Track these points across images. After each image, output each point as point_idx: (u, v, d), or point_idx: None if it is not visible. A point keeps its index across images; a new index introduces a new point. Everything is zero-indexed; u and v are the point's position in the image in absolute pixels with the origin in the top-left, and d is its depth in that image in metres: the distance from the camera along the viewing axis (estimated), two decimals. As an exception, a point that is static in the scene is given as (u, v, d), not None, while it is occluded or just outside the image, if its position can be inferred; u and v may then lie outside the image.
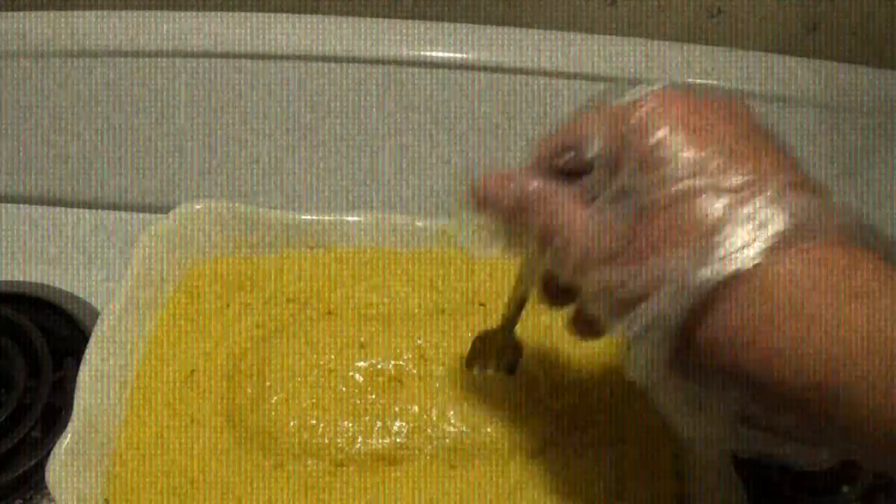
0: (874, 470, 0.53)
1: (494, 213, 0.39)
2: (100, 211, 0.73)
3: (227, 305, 0.56)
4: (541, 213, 0.37)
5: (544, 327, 0.56)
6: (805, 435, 0.33)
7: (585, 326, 0.41)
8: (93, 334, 0.50)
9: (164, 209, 0.57)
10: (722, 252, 0.31)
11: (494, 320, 0.54)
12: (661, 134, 0.33)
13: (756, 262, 0.31)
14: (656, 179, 0.33)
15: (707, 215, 0.32)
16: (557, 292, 0.42)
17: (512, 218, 0.38)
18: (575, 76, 0.67)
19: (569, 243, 0.35)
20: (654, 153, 0.33)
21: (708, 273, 0.31)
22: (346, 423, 0.50)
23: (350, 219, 0.58)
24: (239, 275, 0.58)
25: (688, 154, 0.33)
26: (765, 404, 0.33)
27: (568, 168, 0.37)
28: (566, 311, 0.43)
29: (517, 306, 0.47)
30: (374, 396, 0.51)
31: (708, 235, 0.31)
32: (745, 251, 0.31)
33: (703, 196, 0.32)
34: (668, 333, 0.32)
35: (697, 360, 0.33)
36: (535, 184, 0.38)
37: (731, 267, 0.31)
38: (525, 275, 0.44)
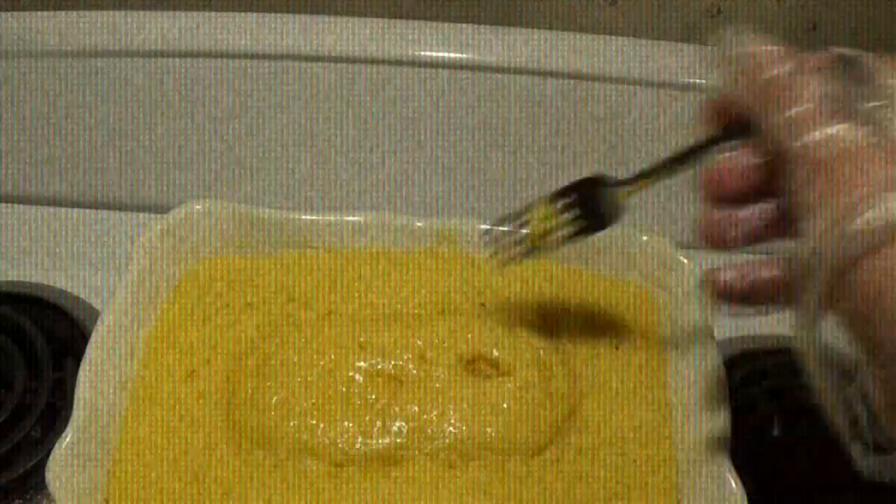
0: None
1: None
2: (100, 211, 0.73)
3: (227, 305, 0.56)
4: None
5: (545, 327, 0.56)
6: None
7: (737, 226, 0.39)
8: (93, 334, 0.50)
9: (164, 209, 0.57)
10: None
11: (494, 320, 0.54)
12: None
13: None
14: None
15: None
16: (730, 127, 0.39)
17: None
18: (575, 76, 0.67)
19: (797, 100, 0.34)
20: None
21: None
22: (346, 423, 0.50)
23: (350, 219, 0.58)
24: (239, 275, 0.58)
25: None
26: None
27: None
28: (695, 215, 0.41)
29: (655, 175, 0.43)
30: (374, 396, 0.51)
31: None
32: None
33: None
34: (860, 248, 0.31)
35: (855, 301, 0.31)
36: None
37: None
38: (694, 152, 0.40)
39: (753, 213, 0.39)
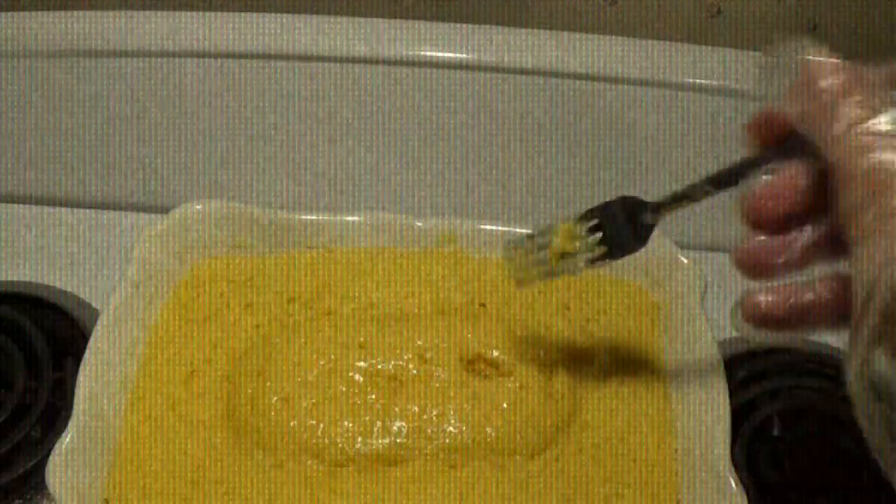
0: None
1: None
2: (100, 211, 0.73)
3: (227, 305, 0.56)
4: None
5: (544, 327, 0.56)
6: None
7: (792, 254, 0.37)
8: (93, 334, 0.51)
9: (164, 209, 0.57)
10: None
11: (494, 320, 0.54)
12: None
13: None
14: None
15: None
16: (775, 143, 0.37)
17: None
18: (575, 76, 0.67)
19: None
20: None
21: None
22: (346, 423, 0.50)
23: (350, 219, 0.58)
24: (239, 275, 0.58)
25: None
26: None
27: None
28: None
29: (690, 196, 0.40)
30: (373, 396, 0.51)
31: None
32: None
33: None
34: None
35: None
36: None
37: None
38: (733, 173, 0.38)
39: (799, 238, 0.37)
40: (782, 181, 0.36)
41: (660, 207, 0.42)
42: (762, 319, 0.38)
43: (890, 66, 0.34)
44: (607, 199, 0.45)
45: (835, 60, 0.34)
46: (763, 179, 0.37)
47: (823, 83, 0.34)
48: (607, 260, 0.44)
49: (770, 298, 0.37)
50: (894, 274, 0.29)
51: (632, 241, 0.44)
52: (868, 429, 0.31)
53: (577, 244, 0.45)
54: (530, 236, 0.47)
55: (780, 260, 0.37)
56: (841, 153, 0.32)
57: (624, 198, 0.44)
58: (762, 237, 0.37)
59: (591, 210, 0.45)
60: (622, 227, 0.44)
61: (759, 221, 0.37)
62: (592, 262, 0.45)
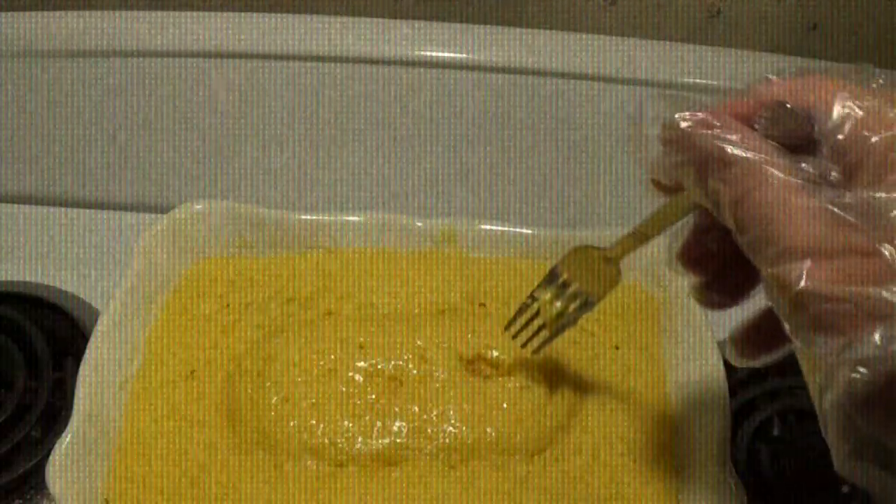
0: None
1: (687, 152, 0.32)
2: (100, 211, 0.73)
3: (227, 305, 0.56)
4: (749, 177, 0.29)
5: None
6: None
7: (725, 299, 0.37)
8: (93, 334, 0.51)
9: (164, 209, 0.57)
10: None
11: (494, 320, 0.54)
12: None
13: None
14: None
15: None
16: (701, 257, 0.37)
17: (706, 169, 0.31)
18: (575, 76, 0.67)
19: (778, 224, 0.28)
20: None
21: None
22: (346, 423, 0.50)
23: (350, 219, 0.58)
24: (239, 275, 0.58)
25: None
26: None
27: (774, 132, 0.30)
28: (691, 279, 0.39)
29: (638, 239, 0.42)
30: (373, 396, 0.51)
31: None
32: None
33: None
34: (880, 376, 0.26)
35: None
36: (747, 139, 0.30)
37: None
38: (671, 213, 0.38)
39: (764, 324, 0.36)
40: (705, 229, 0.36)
41: (615, 249, 0.44)
42: (753, 355, 0.38)
43: (759, 95, 0.32)
44: (561, 255, 0.47)
45: (702, 112, 0.31)
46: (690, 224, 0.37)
47: (706, 148, 0.31)
48: (593, 305, 0.47)
49: (749, 336, 0.37)
50: (847, 379, 0.27)
51: (603, 282, 0.46)
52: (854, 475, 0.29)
53: (561, 302, 0.47)
54: (518, 313, 0.49)
55: (758, 352, 0.37)
56: (750, 250, 0.30)
57: (579, 247, 0.47)
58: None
59: (555, 267, 0.48)
60: (588, 274, 0.46)
61: (694, 265, 0.37)
62: (580, 309, 0.47)
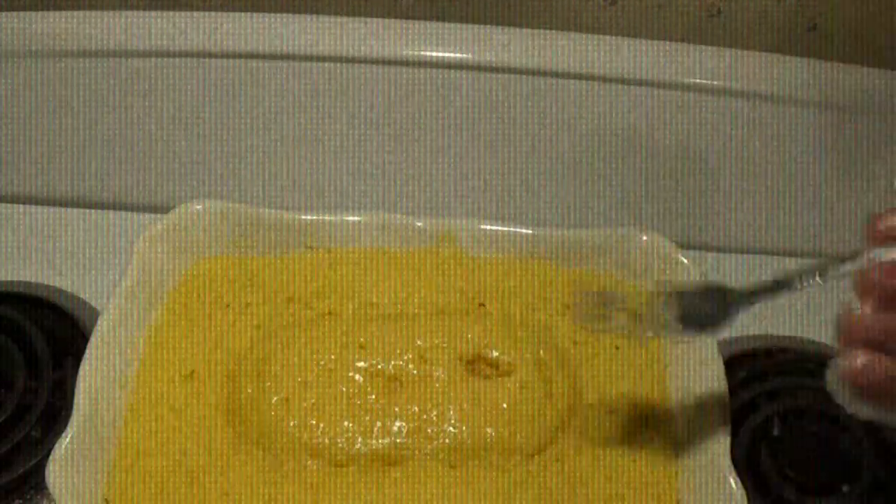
0: None
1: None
2: (100, 211, 0.73)
3: (227, 305, 0.56)
4: None
5: (544, 327, 0.56)
6: None
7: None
8: (93, 334, 0.51)
9: (164, 209, 0.57)
10: None
11: (494, 320, 0.54)
12: None
13: None
14: None
15: None
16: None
17: None
18: (575, 76, 0.67)
19: None
20: None
21: None
22: (346, 423, 0.50)
23: (350, 219, 0.58)
24: (239, 275, 0.58)
25: None
26: None
27: None
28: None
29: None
30: (373, 396, 0.51)
31: None
32: None
33: None
34: None
35: None
36: None
37: None
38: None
39: None
40: None
41: (749, 296, 0.42)
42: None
43: None
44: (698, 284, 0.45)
45: None
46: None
47: None
48: (682, 334, 0.45)
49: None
50: None
51: (710, 323, 0.43)
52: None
53: (655, 311, 0.45)
54: (600, 294, 0.48)
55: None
56: None
57: (717, 285, 0.44)
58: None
59: (682, 291, 0.45)
60: (701, 305, 0.44)
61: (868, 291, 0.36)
62: (664, 330, 0.45)
